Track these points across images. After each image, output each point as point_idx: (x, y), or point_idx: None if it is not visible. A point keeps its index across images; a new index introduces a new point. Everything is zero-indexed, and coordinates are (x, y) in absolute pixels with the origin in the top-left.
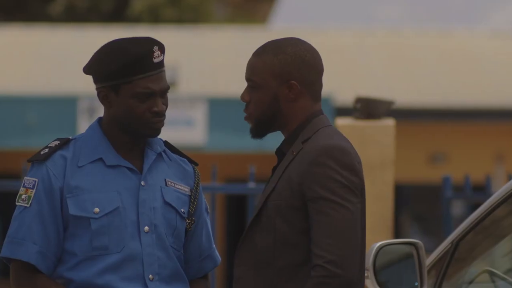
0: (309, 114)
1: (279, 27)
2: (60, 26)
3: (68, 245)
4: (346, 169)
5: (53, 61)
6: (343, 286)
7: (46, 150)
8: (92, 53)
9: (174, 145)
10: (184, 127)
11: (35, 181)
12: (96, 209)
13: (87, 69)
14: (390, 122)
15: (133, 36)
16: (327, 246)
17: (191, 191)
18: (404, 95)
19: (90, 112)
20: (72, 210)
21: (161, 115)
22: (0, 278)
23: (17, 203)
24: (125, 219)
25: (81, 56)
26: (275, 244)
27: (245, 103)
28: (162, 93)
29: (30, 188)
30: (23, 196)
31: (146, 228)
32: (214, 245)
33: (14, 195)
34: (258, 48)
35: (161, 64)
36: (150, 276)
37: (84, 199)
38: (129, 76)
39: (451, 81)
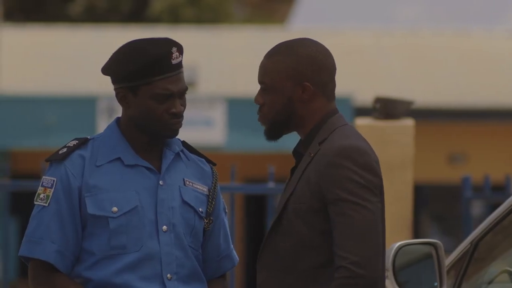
0: (324, 114)
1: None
2: (79, 27)
3: (86, 244)
4: (364, 169)
5: (72, 61)
6: (367, 286)
7: (65, 149)
8: (111, 54)
9: (193, 145)
10: (203, 127)
11: (54, 180)
12: (115, 208)
13: (105, 70)
14: (409, 122)
15: (151, 37)
16: (349, 247)
17: (209, 190)
18: (423, 95)
19: (109, 112)
20: (91, 209)
21: (179, 116)
22: (19, 278)
23: (35, 203)
24: (143, 218)
25: (100, 57)
26: (296, 247)
27: (258, 104)
28: (180, 94)
29: (49, 187)
30: (41, 196)
31: (165, 227)
32: (232, 245)
33: (33, 195)
34: (270, 50)
35: (179, 65)
36: (168, 275)
37: (103, 198)
38: (148, 77)
39: (470, 81)
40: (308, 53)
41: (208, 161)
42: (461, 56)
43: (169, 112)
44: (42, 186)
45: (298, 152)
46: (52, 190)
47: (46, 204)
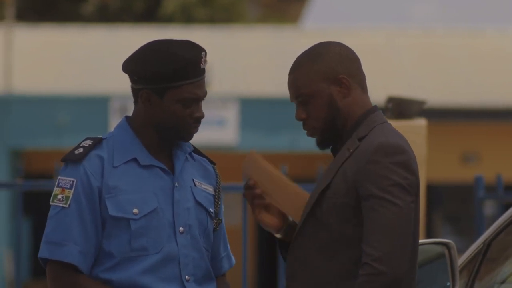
0: (365, 110)
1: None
2: (91, 26)
3: (105, 245)
4: (400, 166)
5: (84, 61)
6: (389, 283)
7: (81, 150)
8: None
9: (205, 145)
10: (216, 127)
11: (73, 181)
12: (135, 210)
13: (129, 69)
14: (422, 122)
15: (174, 39)
16: (374, 243)
17: (214, 190)
18: (436, 95)
19: (122, 112)
20: (112, 211)
21: (200, 121)
22: (31, 278)
23: (52, 203)
24: (162, 220)
25: (113, 56)
26: (331, 241)
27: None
28: (203, 98)
29: (67, 188)
30: (59, 197)
31: (181, 229)
32: (228, 246)
33: (46, 195)
34: (291, 67)
35: (205, 70)
36: (187, 277)
37: (123, 200)
38: (178, 81)
39: (483, 81)
40: (331, 50)
41: (210, 160)
42: (474, 55)
43: (193, 116)
44: (58, 186)
45: (336, 149)
46: (72, 191)
47: (66, 206)
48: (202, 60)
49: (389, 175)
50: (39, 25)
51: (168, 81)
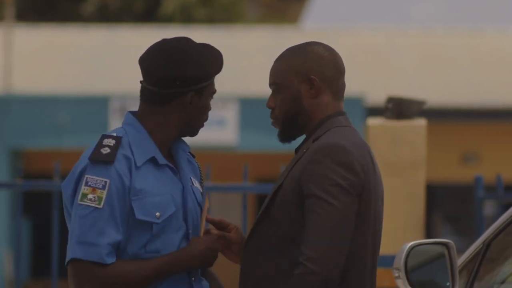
0: (330, 113)
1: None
2: (91, 26)
3: (122, 243)
4: (342, 167)
5: (84, 61)
6: (319, 283)
7: (108, 149)
8: (125, 53)
9: (205, 145)
10: (215, 127)
11: (106, 181)
12: (158, 214)
13: (173, 73)
14: (421, 122)
15: (196, 43)
16: (310, 243)
17: (200, 186)
18: (436, 95)
19: (122, 112)
20: (138, 214)
21: None
22: (30, 278)
23: (81, 202)
24: (176, 222)
25: (113, 56)
26: (279, 241)
27: (270, 108)
28: None
29: (99, 188)
30: (89, 196)
31: (190, 230)
32: None
33: (46, 195)
34: (279, 55)
35: None
36: (193, 278)
37: (148, 203)
38: (212, 78)
39: (483, 81)
40: (315, 50)
41: (192, 154)
42: (474, 55)
43: (209, 108)
44: (88, 186)
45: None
46: (105, 191)
47: (100, 206)
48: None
49: (329, 175)
50: (39, 25)
51: (206, 80)
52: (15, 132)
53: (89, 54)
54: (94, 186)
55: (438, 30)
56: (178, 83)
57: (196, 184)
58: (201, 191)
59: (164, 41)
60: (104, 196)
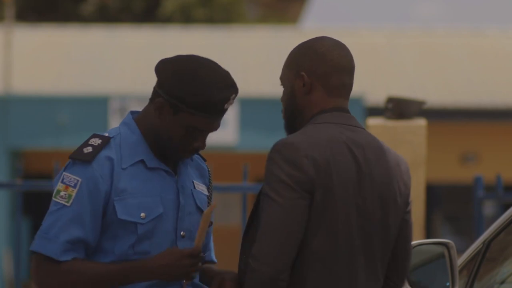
0: (321, 109)
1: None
2: (91, 26)
3: (107, 244)
4: (288, 163)
5: (84, 61)
6: (260, 280)
7: (90, 149)
8: (125, 53)
9: (205, 145)
10: None
11: (78, 180)
12: (143, 214)
13: (162, 73)
14: (421, 122)
15: (216, 65)
16: (256, 241)
17: (207, 190)
18: (436, 95)
19: (121, 112)
20: (120, 214)
21: (197, 151)
22: (31, 279)
23: (54, 199)
24: (166, 225)
25: (112, 56)
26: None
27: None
28: (213, 131)
29: (71, 186)
30: (62, 193)
31: (182, 233)
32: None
33: (45, 195)
34: None
35: (227, 109)
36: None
37: (131, 203)
38: (198, 112)
39: (483, 81)
40: (311, 45)
41: (202, 157)
42: (475, 55)
43: (192, 145)
44: (63, 183)
45: None
46: (76, 190)
47: (68, 204)
48: (229, 102)
49: (275, 172)
50: (39, 25)
51: (189, 106)
52: (15, 132)
53: (89, 54)
54: (68, 184)
55: (438, 30)
56: (164, 88)
57: (201, 187)
58: (207, 195)
59: (192, 57)
60: (74, 194)
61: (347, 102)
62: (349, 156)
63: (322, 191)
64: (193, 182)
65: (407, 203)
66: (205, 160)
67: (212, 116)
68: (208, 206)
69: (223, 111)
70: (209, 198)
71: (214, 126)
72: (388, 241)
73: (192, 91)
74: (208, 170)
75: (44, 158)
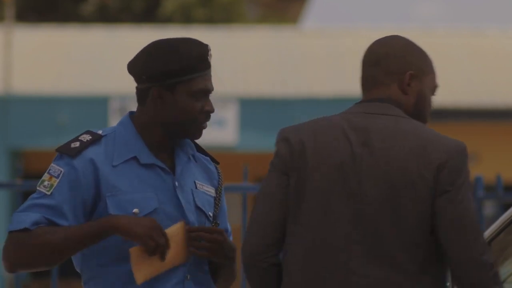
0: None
1: (310, 27)
2: (91, 27)
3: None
4: (275, 149)
5: (84, 61)
6: (243, 256)
7: (77, 144)
8: (125, 53)
9: (205, 145)
10: (215, 127)
11: (61, 171)
12: (136, 210)
13: (135, 68)
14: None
15: (177, 37)
16: None
17: (215, 192)
18: (436, 95)
19: (121, 112)
20: (112, 210)
21: (210, 116)
22: (30, 279)
23: (38, 188)
24: (163, 220)
25: (112, 56)
26: None
27: None
28: (211, 92)
29: (55, 176)
30: (45, 183)
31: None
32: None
33: None
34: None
35: (210, 64)
36: (188, 276)
37: (123, 199)
38: (189, 74)
39: (484, 81)
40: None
41: (213, 160)
42: (475, 55)
43: (204, 110)
44: (48, 173)
45: None
46: (58, 180)
47: (48, 193)
48: (209, 53)
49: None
50: (39, 25)
51: (178, 76)
52: (15, 132)
53: (89, 54)
54: (52, 174)
55: (438, 30)
56: (144, 77)
57: (204, 188)
58: (214, 195)
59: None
60: (55, 184)
61: (376, 91)
62: (341, 141)
63: (297, 173)
64: (194, 182)
65: (435, 188)
66: (218, 163)
67: (203, 71)
68: (214, 208)
69: (208, 65)
70: (217, 200)
71: (210, 84)
72: (406, 227)
73: (173, 60)
74: (219, 173)
75: (44, 158)
